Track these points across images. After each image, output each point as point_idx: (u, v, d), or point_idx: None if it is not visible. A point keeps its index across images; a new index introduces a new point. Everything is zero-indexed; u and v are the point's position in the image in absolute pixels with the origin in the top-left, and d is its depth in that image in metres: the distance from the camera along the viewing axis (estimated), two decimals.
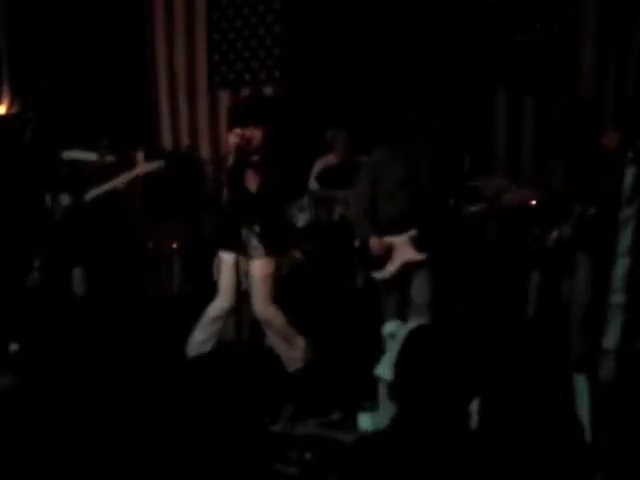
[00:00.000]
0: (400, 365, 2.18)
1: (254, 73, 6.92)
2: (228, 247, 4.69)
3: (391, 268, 4.81)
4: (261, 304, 4.73)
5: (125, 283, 7.17)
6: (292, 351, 4.79)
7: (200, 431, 3.90)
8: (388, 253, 4.79)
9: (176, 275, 7.07)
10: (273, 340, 4.87)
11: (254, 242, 4.66)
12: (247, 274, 4.77)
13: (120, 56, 6.94)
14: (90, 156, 5.79)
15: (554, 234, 4.53)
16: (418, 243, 4.75)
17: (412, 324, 3.49)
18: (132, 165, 5.93)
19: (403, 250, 4.79)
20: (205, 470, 3.64)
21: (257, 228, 4.65)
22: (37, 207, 5.54)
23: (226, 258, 4.77)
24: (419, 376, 2.13)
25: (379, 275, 4.86)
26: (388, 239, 4.78)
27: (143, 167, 5.87)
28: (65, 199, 5.59)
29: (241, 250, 4.48)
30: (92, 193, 5.63)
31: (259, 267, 4.73)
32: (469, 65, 6.23)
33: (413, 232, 4.75)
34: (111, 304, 6.78)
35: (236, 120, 4.68)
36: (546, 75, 6.08)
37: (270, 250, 4.73)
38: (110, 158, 5.83)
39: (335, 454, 3.76)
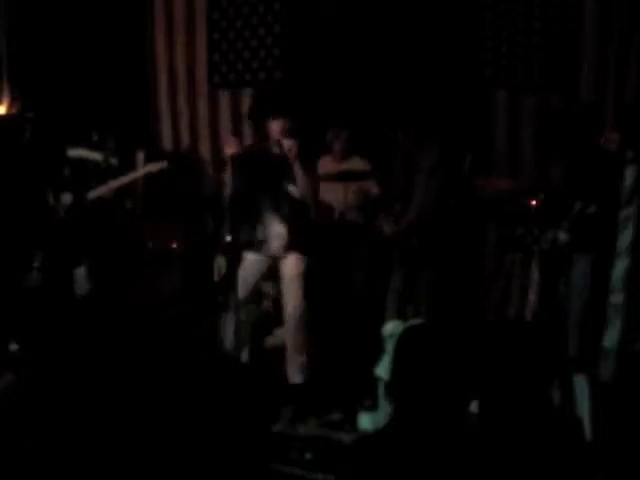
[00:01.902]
0: (393, 364, 2.17)
1: (254, 73, 6.91)
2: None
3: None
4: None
5: (126, 283, 7.17)
6: (297, 362, 4.80)
7: (201, 431, 3.90)
8: None
9: (175, 275, 7.06)
10: (289, 342, 4.85)
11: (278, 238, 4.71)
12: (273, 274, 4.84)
13: (120, 56, 6.93)
14: (95, 156, 5.77)
15: (549, 235, 4.53)
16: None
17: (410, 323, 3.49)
18: (134, 167, 5.91)
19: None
20: (205, 470, 3.64)
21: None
22: (38, 207, 5.54)
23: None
24: (411, 375, 2.12)
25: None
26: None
27: (147, 167, 5.85)
28: (67, 198, 5.57)
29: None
30: (94, 193, 5.62)
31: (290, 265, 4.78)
32: (469, 65, 6.22)
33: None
34: (111, 304, 6.78)
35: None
36: (546, 75, 6.08)
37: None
38: (114, 161, 5.81)
39: (335, 454, 3.76)
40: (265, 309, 5.68)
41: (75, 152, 5.71)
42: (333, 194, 5.87)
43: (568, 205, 4.58)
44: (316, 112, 6.40)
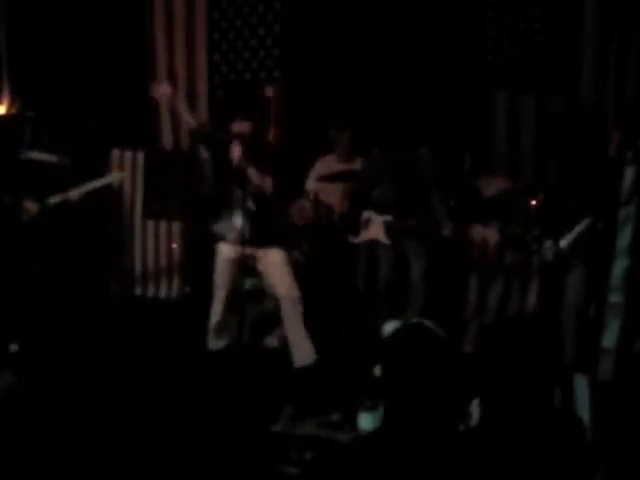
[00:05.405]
0: (382, 363, 2.14)
1: (254, 73, 6.91)
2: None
3: (361, 237, 5.49)
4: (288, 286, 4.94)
5: (124, 282, 7.18)
6: (307, 341, 4.88)
7: (201, 430, 3.90)
8: (365, 225, 5.42)
9: (176, 275, 7.07)
10: (292, 326, 4.90)
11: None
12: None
13: (120, 55, 6.93)
14: (50, 158, 5.67)
15: (549, 245, 4.51)
16: (388, 228, 5.33)
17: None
18: (106, 167, 5.82)
19: (375, 228, 5.39)
20: (205, 469, 3.64)
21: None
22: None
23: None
24: (397, 375, 2.08)
25: (352, 239, 5.54)
26: (370, 213, 5.39)
27: (107, 178, 5.80)
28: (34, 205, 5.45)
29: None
30: (56, 198, 5.46)
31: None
32: (469, 65, 6.22)
33: (388, 217, 5.33)
34: (110, 304, 6.78)
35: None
36: (546, 75, 6.08)
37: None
38: (67, 161, 5.68)
39: (335, 454, 3.76)
40: (266, 309, 5.68)
41: (30, 155, 5.63)
42: (333, 194, 5.87)
43: (568, 206, 4.57)
44: (317, 112, 6.40)
